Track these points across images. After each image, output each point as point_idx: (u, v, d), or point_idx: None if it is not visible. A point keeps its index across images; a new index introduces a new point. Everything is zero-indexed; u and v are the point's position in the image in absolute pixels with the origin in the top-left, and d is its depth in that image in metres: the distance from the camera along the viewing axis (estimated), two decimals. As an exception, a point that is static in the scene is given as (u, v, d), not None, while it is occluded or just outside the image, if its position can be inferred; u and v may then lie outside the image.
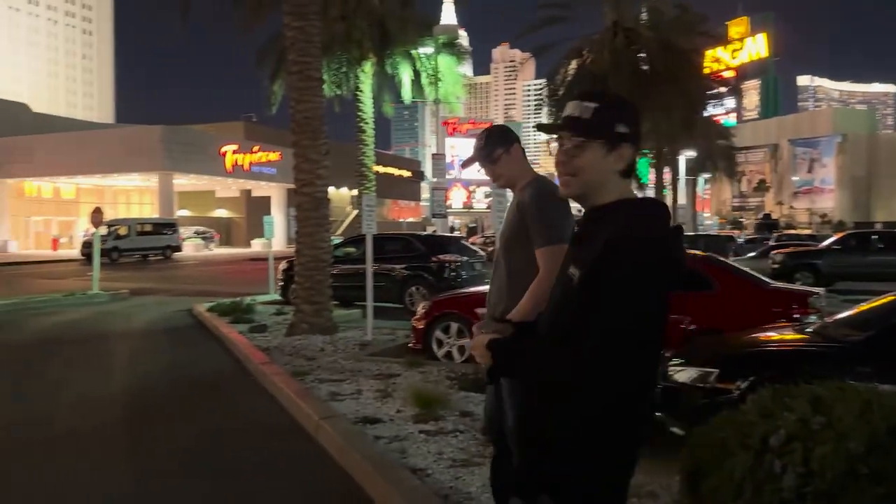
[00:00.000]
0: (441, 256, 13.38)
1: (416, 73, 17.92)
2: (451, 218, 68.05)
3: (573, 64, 21.51)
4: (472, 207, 77.84)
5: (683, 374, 4.45)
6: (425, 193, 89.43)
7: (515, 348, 1.62)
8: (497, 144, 2.88)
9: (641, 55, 20.75)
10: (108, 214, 32.35)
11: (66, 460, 4.61)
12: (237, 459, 4.58)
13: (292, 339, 8.83)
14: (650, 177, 29.25)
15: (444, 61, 17.68)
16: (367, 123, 16.94)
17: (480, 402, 5.21)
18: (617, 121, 1.57)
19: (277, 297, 15.03)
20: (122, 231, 35.08)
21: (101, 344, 9.63)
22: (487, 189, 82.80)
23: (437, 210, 15.16)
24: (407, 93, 18.19)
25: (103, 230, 30.70)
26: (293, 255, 13.35)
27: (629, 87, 19.53)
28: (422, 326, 7.73)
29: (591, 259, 1.47)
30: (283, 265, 14.99)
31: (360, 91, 16.52)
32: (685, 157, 39.16)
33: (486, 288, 8.45)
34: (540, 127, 1.83)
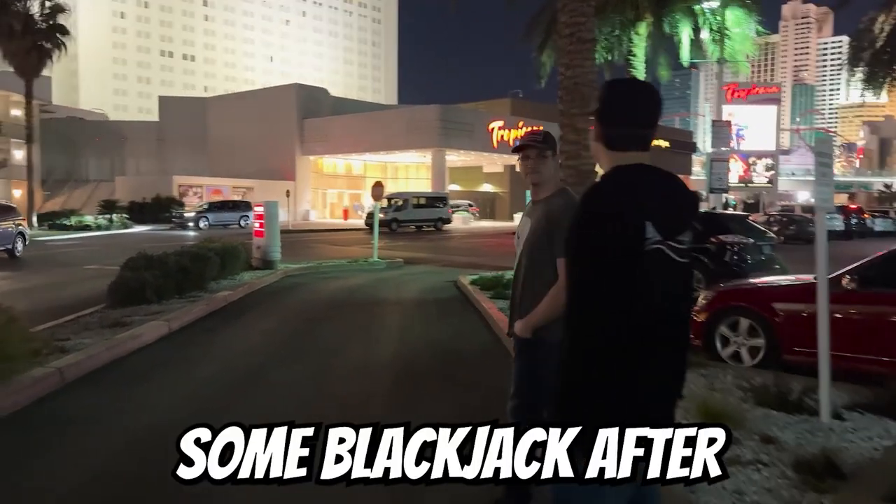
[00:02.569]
0: (722, 237, 11.91)
1: (696, 32, 16.14)
2: (725, 194, 62.23)
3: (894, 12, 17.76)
4: (750, 181, 69.23)
5: None
6: (695, 166, 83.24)
7: None
8: (551, 146, 3.11)
9: None
10: (389, 188, 35.13)
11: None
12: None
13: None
14: None
15: (733, 15, 15.67)
16: (638, 92, 15.60)
17: (786, 426, 4.22)
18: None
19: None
20: (400, 203, 37.98)
21: (375, 310, 10.15)
22: (769, 161, 74.06)
23: (717, 184, 13.58)
24: (685, 54, 16.49)
25: (384, 203, 33.69)
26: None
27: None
28: (703, 320, 6.73)
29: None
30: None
31: (633, 55, 15.33)
32: None
33: (784, 278, 6.95)
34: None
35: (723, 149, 14.64)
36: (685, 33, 15.81)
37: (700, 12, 15.66)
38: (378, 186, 18.47)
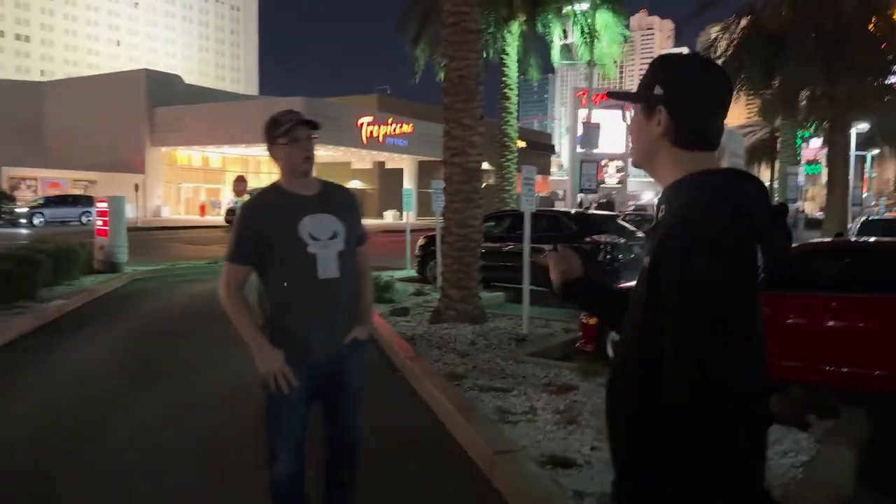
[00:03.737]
0: (596, 237, 11.98)
1: (566, 34, 16.33)
2: (579, 194, 65.23)
3: (743, 23, 19.03)
4: (603, 182, 73.09)
5: None
6: (553, 167, 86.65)
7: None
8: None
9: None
10: (251, 184, 33.27)
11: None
12: (404, 497, 3.61)
13: (438, 327, 7.88)
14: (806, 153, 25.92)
15: (602, 18, 15.99)
16: (511, 90, 15.63)
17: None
18: (655, 82, 1.38)
19: (414, 273, 14.26)
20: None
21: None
22: (620, 163, 78.94)
23: (587, 185, 13.71)
24: (556, 55, 16.64)
25: (246, 198, 31.77)
26: (430, 230, 12.68)
27: (812, 48, 17.01)
28: (594, 323, 6.48)
29: (654, 250, 1.29)
30: (420, 240, 14.19)
31: (506, 54, 15.22)
32: (856, 130, 34.72)
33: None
34: (610, 94, 1.67)
35: (593, 150, 14.90)
36: (556, 34, 15.94)
37: (571, 14, 15.87)
38: (240, 181, 17.14)
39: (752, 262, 1.23)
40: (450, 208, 8.02)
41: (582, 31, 16.00)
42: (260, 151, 50.85)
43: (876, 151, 48.21)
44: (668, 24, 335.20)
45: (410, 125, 48.71)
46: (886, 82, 20.14)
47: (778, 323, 5.41)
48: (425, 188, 15.28)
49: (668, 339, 1.21)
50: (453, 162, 7.91)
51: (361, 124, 45.44)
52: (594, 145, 14.91)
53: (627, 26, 16.48)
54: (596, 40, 15.57)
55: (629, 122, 1.46)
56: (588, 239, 11.99)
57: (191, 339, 7.85)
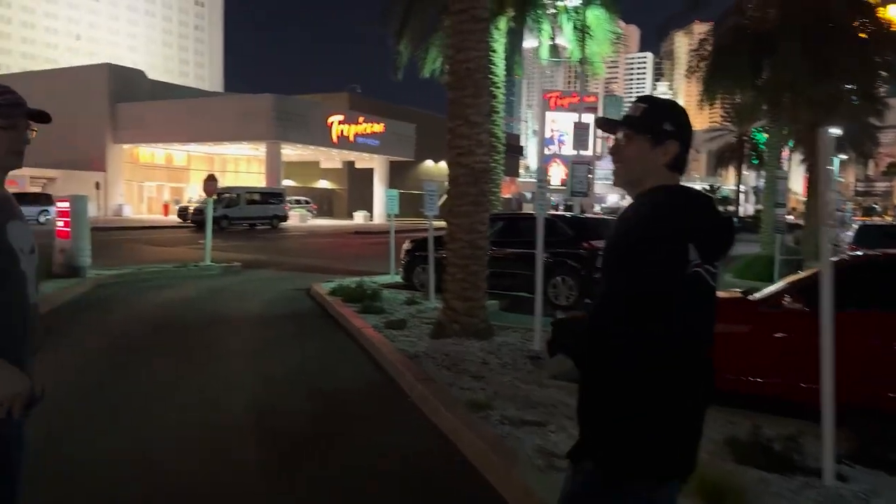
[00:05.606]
0: (593, 242, 11.43)
1: (554, 32, 15.78)
2: (550, 195, 64.86)
3: (729, 23, 18.71)
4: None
5: None
6: (521, 169, 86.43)
7: (569, 326, 2.54)
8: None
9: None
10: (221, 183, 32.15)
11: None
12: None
13: (442, 342, 7.18)
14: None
15: (593, 15, 15.48)
16: (498, 88, 14.96)
17: (791, 497, 3.34)
18: (663, 119, 1.78)
19: (399, 279, 13.53)
20: (232, 199, 35.00)
21: (215, 332, 8.35)
22: (588, 166, 79.21)
23: (579, 188, 13.16)
24: (545, 52, 16.06)
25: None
26: (408, 232, 12.06)
27: (800, 50, 16.72)
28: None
29: (612, 236, 1.75)
30: (406, 244, 13.46)
31: (494, 51, 14.58)
32: (829, 135, 34.93)
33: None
34: (598, 121, 2.01)
35: (584, 152, 14.35)
36: (545, 31, 15.39)
37: (563, 10, 15.32)
38: (211, 180, 16.32)
39: (678, 252, 1.59)
40: (454, 212, 7.34)
41: (575, 27, 15.48)
42: (226, 150, 49.52)
43: (844, 157, 48.86)
44: (634, 30, 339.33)
45: (382, 125, 47.94)
46: (873, 86, 20.03)
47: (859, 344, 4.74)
48: (396, 189, 14.70)
49: (603, 301, 1.68)
50: (459, 162, 7.23)
51: (332, 123, 44.48)
52: (585, 146, 14.37)
53: (618, 24, 16.08)
54: (588, 37, 15.08)
55: (622, 148, 1.81)
56: (586, 244, 11.47)
57: (160, 354, 7.03)
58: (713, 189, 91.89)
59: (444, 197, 13.27)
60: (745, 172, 68.47)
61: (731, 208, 72.18)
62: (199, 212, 32.56)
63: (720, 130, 66.45)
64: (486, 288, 7.57)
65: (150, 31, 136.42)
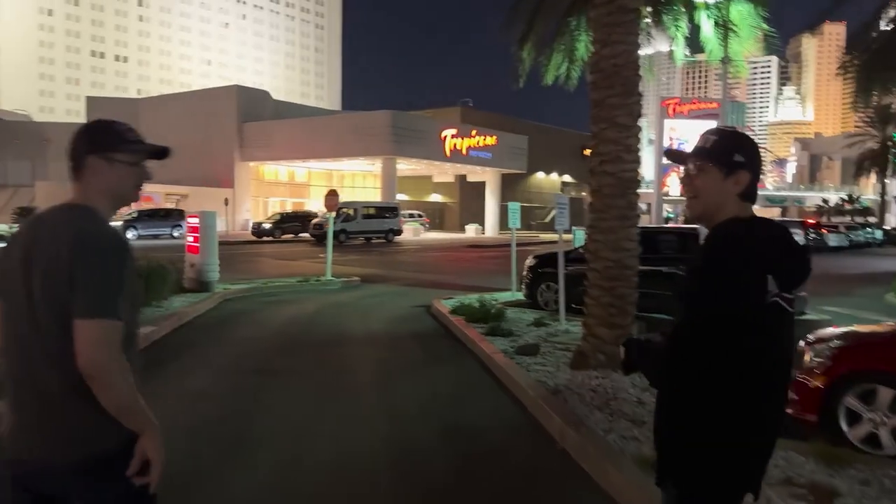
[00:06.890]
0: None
1: (693, 29, 14.57)
2: (666, 206, 61.44)
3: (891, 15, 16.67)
4: (666, 194, 69.07)
5: None
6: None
7: (643, 346, 1.88)
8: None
9: None
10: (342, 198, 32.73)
11: None
12: None
13: (585, 374, 6.38)
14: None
15: (737, 10, 14.20)
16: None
17: None
18: (734, 150, 1.83)
19: (521, 296, 12.78)
20: (350, 213, 35.56)
21: (339, 354, 7.96)
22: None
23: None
24: (680, 52, 14.89)
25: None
26: (526, 246, 11.32)
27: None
28: (818, 386, 4.85)
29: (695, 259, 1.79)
30: (529, 260, 12.71)
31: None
32: None
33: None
34: (668, 153, 2.06)
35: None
36: (681, 29, 14.22)
37: (703, 6, 14.14)
38: (333, 195, 16.30)
39: (757, 283, 1.67)
40: (599, 227, 6.54)
41: (716, 24, 14.19)
42: (343, 165, 50.80)
43: None
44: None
45: (494, 137, 47.55)
46: None
47: None
48: (506, 201, 13.96)
49: (684, 325, 1.74)
50: (604, 171, 6.44)
51: (445, 137, 44.54)
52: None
53: (766, 20, 14.54)
54: (732, 34, 13.79)
55: (694, 179, 1.87)
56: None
57: (286, 380, 6.68)
58: (851, 199, 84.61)
59: (553, 212, 12.30)
60: (887, 181, 62.53)
61: (872, 220, 66.09)
62: (319, 226, 33.31)
63: (860, 136, 61.14)
64: (634, 313, 6.70)
65: (273, 55, 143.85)
